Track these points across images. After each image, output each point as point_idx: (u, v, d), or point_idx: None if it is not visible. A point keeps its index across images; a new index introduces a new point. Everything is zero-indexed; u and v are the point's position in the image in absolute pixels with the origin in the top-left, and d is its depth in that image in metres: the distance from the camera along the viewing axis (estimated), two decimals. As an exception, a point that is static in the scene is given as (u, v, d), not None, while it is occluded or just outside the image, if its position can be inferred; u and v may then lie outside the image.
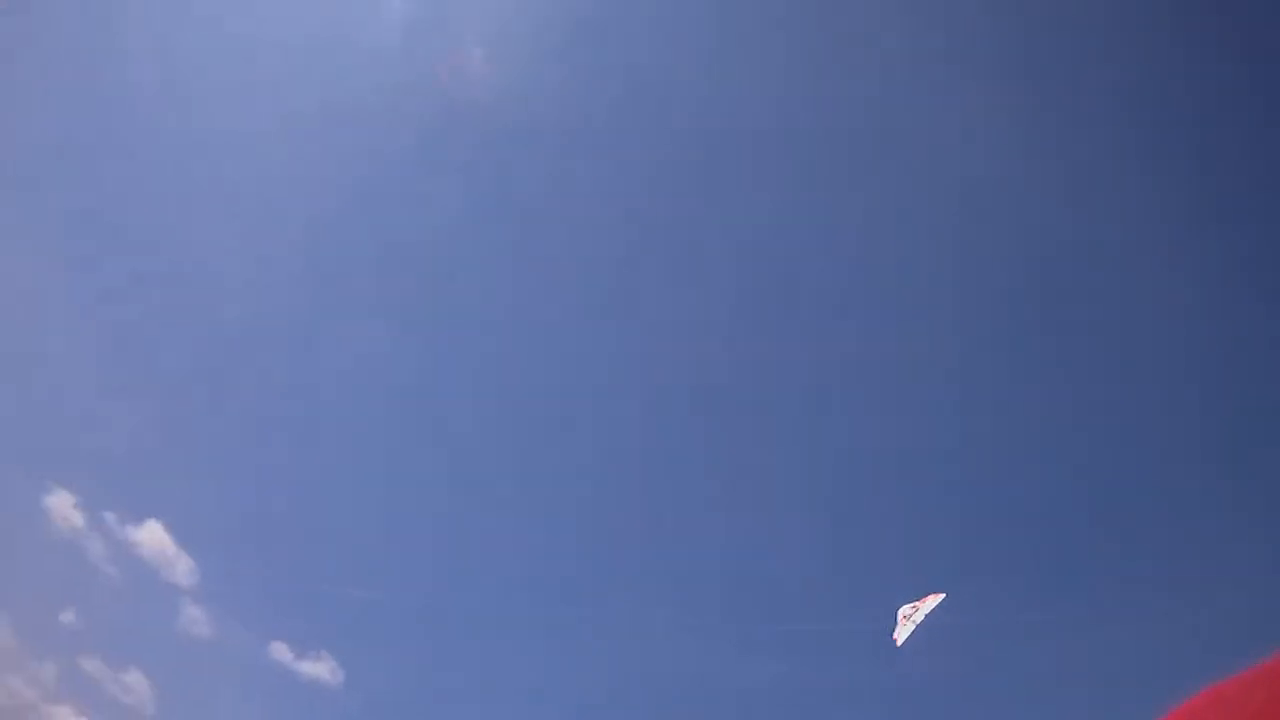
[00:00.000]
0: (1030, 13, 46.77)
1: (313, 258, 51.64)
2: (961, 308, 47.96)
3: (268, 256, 50.15)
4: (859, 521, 47.82)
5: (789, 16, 48.40)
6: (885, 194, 49.30)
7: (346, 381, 51.02)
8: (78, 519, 49.62)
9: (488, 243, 48.55)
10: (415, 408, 48.31)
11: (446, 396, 49.07)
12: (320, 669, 48.98)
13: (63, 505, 49.34)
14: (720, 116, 48.95)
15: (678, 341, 47.36)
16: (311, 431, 54.26)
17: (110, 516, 48.72)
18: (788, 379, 47.90)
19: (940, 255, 50.00)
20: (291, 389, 52.70)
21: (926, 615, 22.00)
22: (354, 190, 48.35)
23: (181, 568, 49.26)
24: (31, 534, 49.14)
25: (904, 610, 22.19)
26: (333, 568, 52.38)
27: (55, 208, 52.18)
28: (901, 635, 21.94)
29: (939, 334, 47.48)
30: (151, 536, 49.48)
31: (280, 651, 46.84)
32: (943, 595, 22.01)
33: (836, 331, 49.98)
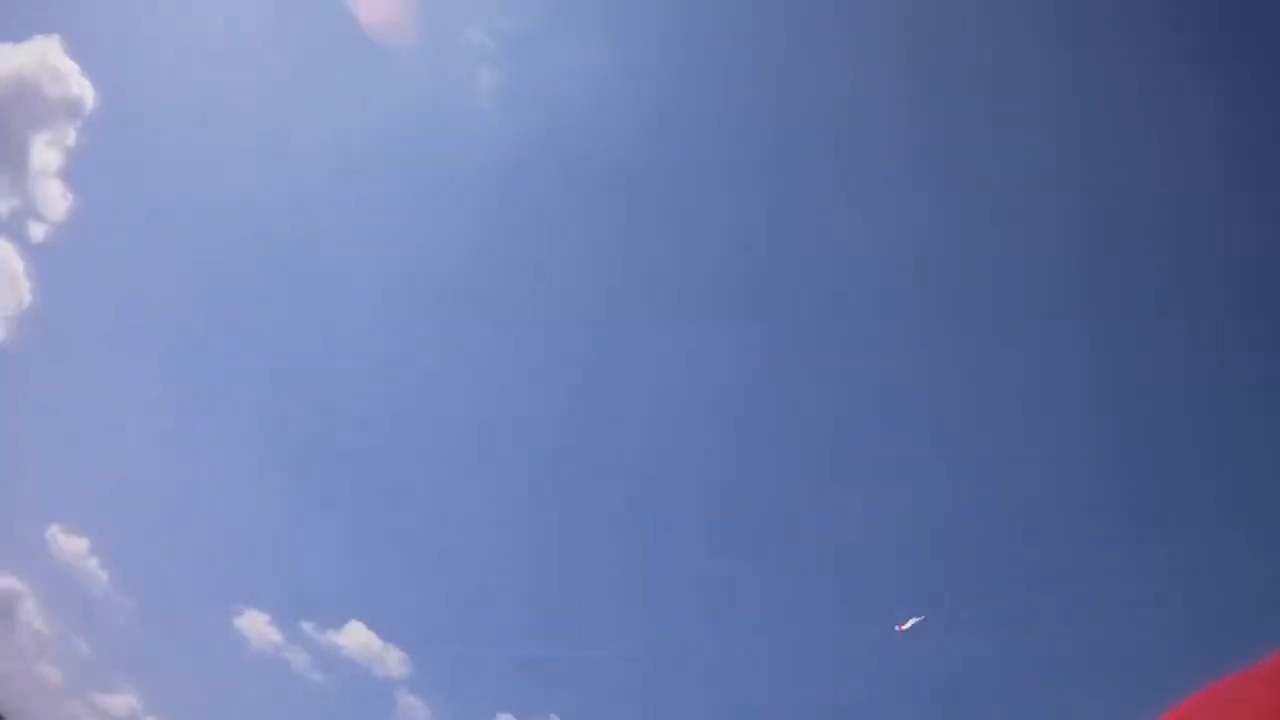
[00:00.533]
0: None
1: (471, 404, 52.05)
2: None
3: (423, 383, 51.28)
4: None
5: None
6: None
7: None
8: (275, 635, 50.15)
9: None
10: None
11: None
12: None
13: (257, 625, 50.02)
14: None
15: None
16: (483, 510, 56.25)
17: (309, 626, 49.88)
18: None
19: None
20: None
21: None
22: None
23: (391, 660, 50.09)
24: (231, 656, 50.42)
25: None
26: (538, 631, 54.39)
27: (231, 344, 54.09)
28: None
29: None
30: (354, 637, 50.03)
31: (511, 722, 48.12)
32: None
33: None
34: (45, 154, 48.18)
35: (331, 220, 49.92)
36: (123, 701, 46.29)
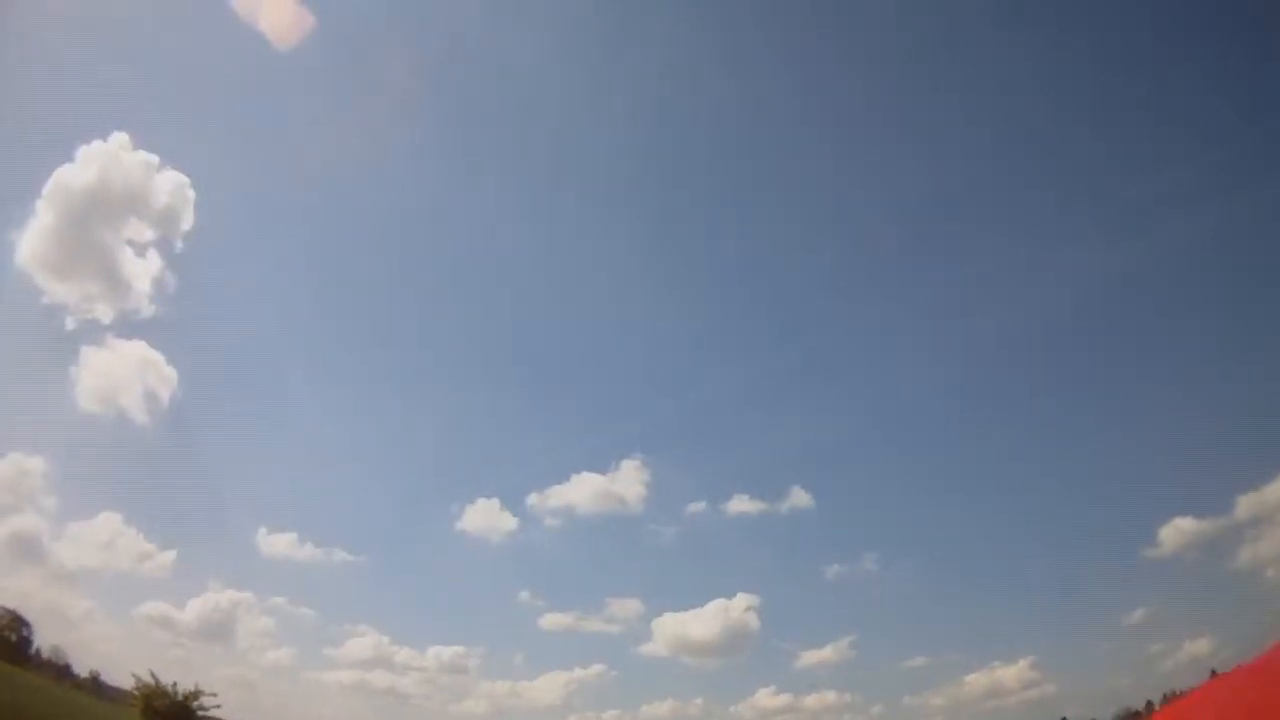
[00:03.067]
0: None
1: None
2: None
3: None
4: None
5: None
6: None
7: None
8: (508, 519, 57.39)
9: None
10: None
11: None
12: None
13: (487, 513, 58.02)
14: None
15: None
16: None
17: (535, 497, 58.79)
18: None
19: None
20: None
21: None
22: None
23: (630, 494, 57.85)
24: (467, 553, 59.16)
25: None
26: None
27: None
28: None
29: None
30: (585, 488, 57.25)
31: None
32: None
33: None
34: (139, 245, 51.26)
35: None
36: (366, 641, 50.54)
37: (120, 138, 49.30)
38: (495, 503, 54.77)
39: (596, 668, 52.17)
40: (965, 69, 63.25)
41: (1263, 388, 56.32)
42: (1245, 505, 48.19)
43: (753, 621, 50.45)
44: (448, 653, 52.30)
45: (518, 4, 67.36)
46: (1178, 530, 49.73)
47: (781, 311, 68.02)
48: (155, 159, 50.52)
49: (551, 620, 54.23)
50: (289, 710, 50.61)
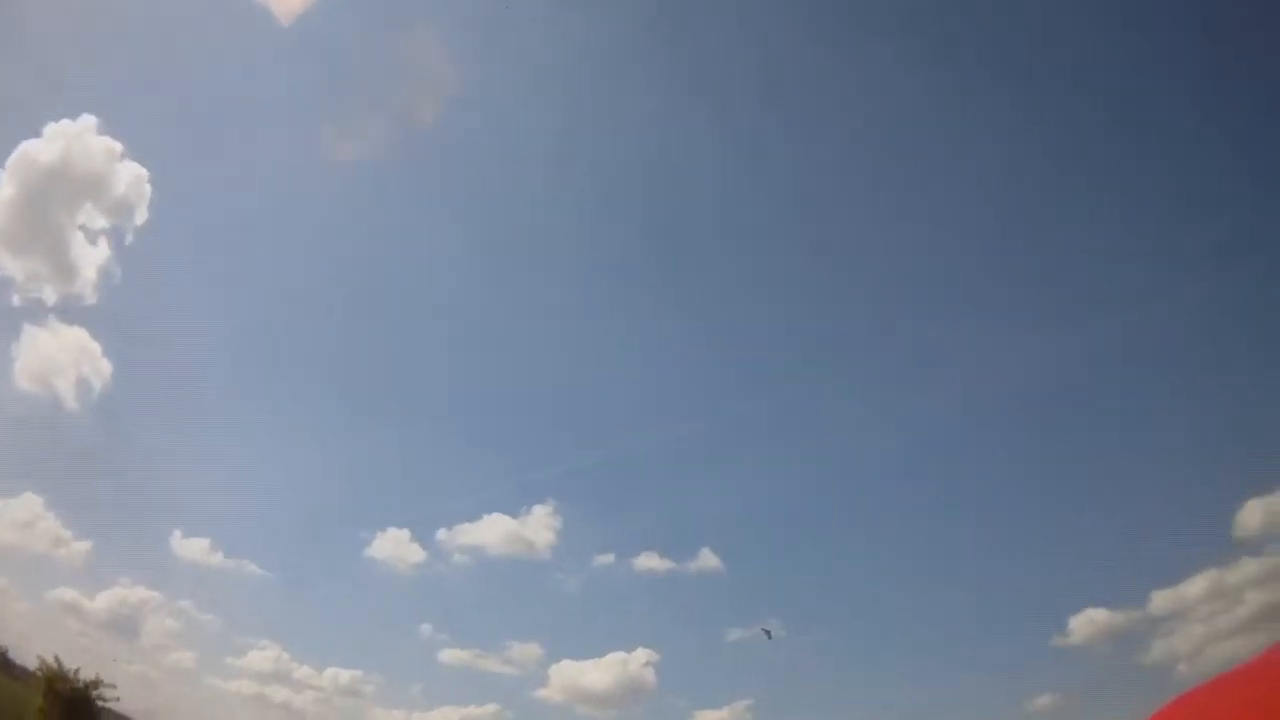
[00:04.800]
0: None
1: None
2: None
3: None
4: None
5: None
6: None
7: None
8: (416, 550, 54.45)
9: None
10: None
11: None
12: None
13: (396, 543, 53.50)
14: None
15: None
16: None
17: (443, 533, 53.97)
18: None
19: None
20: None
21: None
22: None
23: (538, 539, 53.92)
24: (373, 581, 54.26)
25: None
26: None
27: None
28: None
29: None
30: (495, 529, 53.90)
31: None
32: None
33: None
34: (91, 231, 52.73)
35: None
36: (267, 655, 50.10)
37: (88, 120, 50.30)
38: (405, 533, 55.40)
39: (491, 707, 52.41)
40: (931, 159, 67.39)
41: (1182, 490, 59.69)
42: (1160, 600, 50.09)
43: (650, 677, 51.41)
44: (345, 675, 52.12)
45: (517, 61, 70.35)
46: (1090, 620, 50.88)
47: (709, 375, 70.94)
48: (119, 147, 51.49)
49: (451, 655, 54.24)
50: (187, 713, 50.09)
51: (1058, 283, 68.15)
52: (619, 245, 73.46)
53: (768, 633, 48.69)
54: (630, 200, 73.96)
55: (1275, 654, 1.47)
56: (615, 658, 51.10)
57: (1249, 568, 50.24)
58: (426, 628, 55.70)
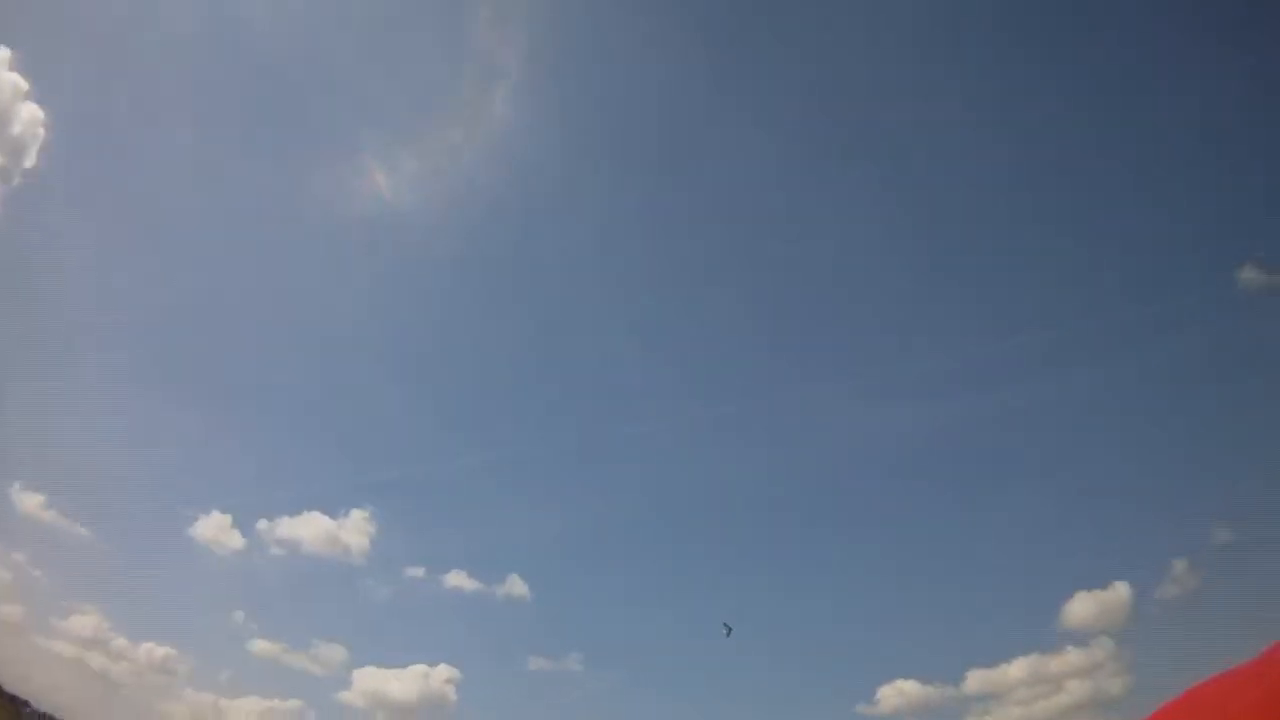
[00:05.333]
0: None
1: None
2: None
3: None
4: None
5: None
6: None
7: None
8: (236, 536, 55.00)
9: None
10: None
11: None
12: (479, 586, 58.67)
13: (218, 528, 54.36)
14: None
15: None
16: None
17: (264, 523, 55.55)
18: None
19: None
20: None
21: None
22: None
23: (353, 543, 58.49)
24: (193, 563, 55.00)
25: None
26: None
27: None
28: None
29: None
30: (313, 527, 55.43)
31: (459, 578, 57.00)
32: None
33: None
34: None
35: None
36: (89, 621, 49.97)
37: (4, 52, 48.55)
38: (228, 519, 55.55)
39: (295, 703, 52.69)
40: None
41: (1007, 577, 62.77)
42: (976, 679, 52.14)
43: (451, 694, 51.97)
44: (160, 652, 52.30)
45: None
46: (899, 691, 52.55)
47: (535, 401, 72.14)
48: (27, 86, 49.91)
49: (260, 646, 54.66)
50: (11, 667, 49.91)
51: (916, 359, 69.11)
52: (469, 263, 72.66)
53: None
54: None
55: (1276, 653, 1.43)
56: (418, 670, 52.57)
57: (1072, 658, 52.63)
58: (239, 615, 55.57)
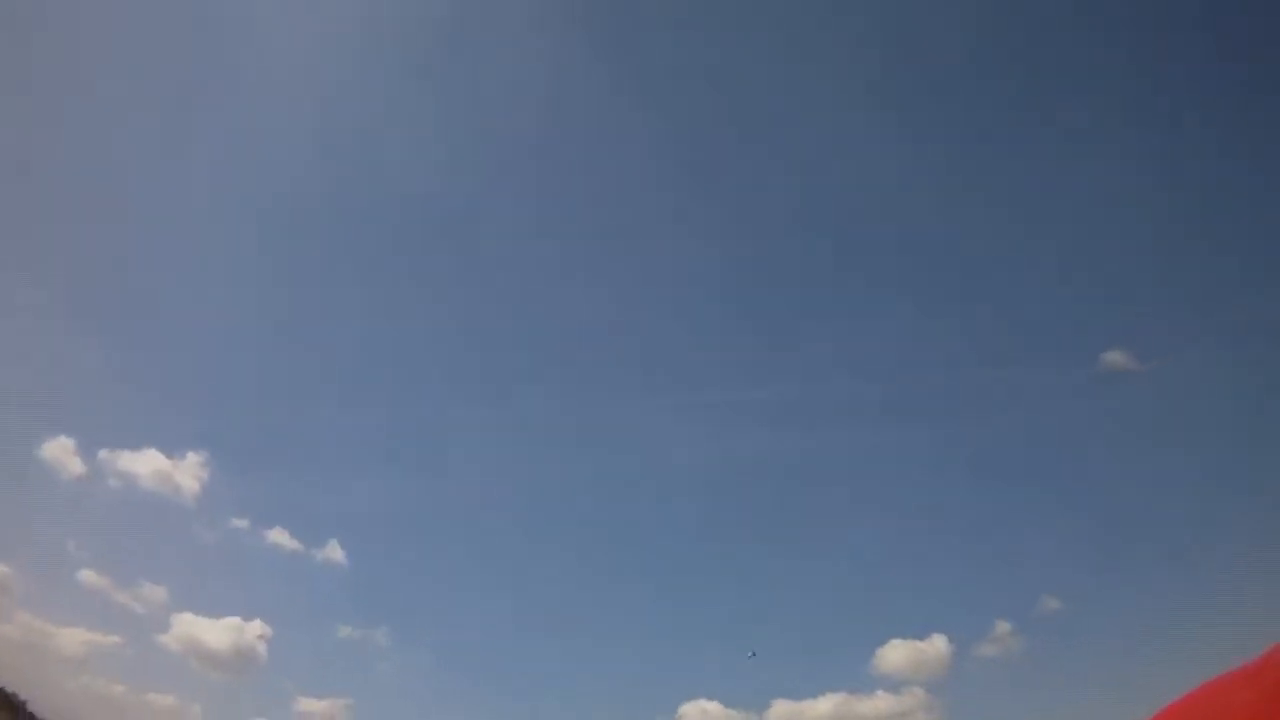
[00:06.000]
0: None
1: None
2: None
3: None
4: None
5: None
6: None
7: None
8: (77, 463, 54.67)
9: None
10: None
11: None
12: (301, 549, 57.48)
13: (62, 451, 54.09)
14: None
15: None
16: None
17: (105, 453, 54.75)
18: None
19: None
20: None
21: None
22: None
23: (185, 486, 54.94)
24: (33, 483, 54.07)
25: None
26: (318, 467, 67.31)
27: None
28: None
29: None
30: (150, 464, 55.30)
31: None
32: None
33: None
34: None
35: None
36: None
37: None
38: (71, 443, 54.89)
39: (115, 639, 51.81)
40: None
41: (828, 616, 64.07)
42: (780, 708, 50.42)
43: (262, 651, 51.90)
44: None
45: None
46: (702, 710, 51.23)
47: (380, 366, 73.04)
48: None
49: (86, 575, 53.82)
50: None
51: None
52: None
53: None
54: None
55: (1276, 655, 1.46)
56: (233, 622, 51.44)
57: (882, 702, 51.52)
58: (71, 544, 53.82)
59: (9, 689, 42.93)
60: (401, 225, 75.82)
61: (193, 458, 57.32)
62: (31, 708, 43.20)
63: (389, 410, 66.09)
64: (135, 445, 59.06)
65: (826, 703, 50.35)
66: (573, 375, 73.11)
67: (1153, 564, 58.25)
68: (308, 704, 52.08)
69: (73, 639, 50.20)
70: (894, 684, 55.03)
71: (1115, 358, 57.89)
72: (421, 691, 57.94)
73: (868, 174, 71.11)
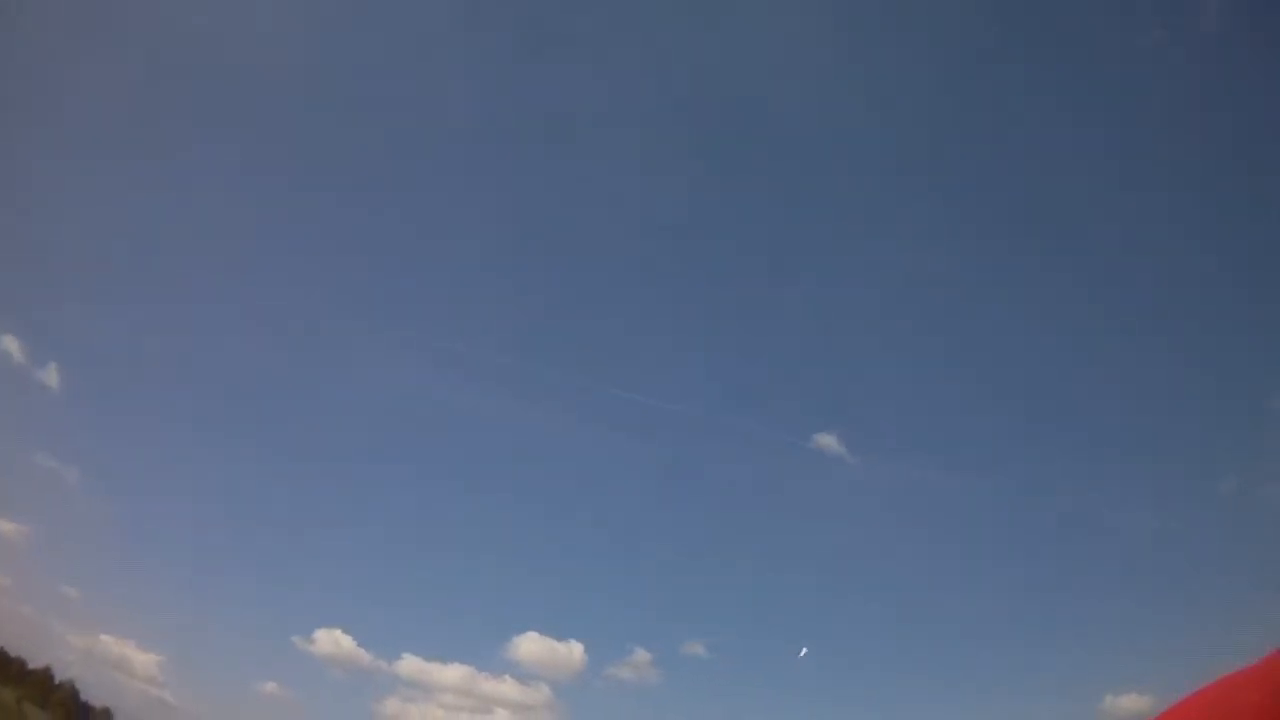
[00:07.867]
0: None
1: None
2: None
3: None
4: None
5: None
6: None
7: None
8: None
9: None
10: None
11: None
12: None
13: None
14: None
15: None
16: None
17: None
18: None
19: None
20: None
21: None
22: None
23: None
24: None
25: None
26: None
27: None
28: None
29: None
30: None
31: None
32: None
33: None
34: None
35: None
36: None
37: None
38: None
39: None
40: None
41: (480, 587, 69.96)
42: (409, 664, 55.24)
43: None
44: None
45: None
46: (335, 640, 55.21)
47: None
48: None
49: None
50: None
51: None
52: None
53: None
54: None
55: (1277, 658, 1.39)
56: None
57: (509, 688, 55.76)
58: None
59: None
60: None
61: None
62: None
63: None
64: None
65: (455, 671, 50.69)
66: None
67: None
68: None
69: None
70: (524, 674, 58.53)
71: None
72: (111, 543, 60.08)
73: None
